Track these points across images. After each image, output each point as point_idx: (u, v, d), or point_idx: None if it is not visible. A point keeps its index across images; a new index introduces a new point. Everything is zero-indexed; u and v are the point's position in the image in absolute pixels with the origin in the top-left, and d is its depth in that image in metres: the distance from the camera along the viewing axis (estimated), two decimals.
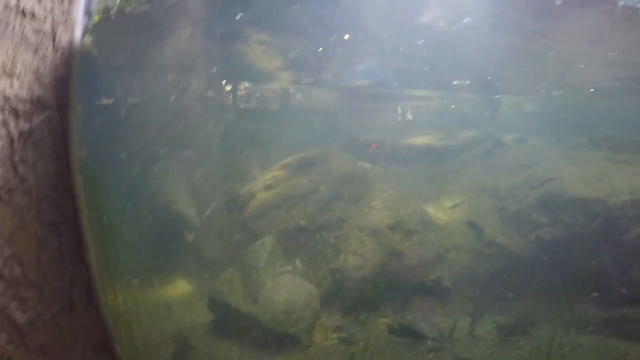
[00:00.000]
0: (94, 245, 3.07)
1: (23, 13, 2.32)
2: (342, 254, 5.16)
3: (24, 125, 2.46)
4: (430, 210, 5.54)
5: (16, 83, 2.38)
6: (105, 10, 3.22)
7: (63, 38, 2.72)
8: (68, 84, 2.79)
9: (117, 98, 3.86)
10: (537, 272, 4.99)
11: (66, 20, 2.70)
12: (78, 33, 2.82)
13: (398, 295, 4.90)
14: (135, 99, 4.08)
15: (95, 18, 3.02)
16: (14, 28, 2.29)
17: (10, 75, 2.33)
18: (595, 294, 4.58)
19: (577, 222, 4.95)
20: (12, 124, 2.39)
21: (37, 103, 2.54)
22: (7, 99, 2.34)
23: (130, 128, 4.02)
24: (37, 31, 2.45)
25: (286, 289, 4.76)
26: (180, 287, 5.01)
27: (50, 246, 2.77)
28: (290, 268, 5.00)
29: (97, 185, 3.21)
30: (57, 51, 2.67)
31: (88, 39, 2.98)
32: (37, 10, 2.40)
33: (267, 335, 4.32)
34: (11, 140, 2.40)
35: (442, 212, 5.53)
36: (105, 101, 3.67)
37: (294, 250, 5.13)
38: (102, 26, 3.18)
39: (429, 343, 4.20)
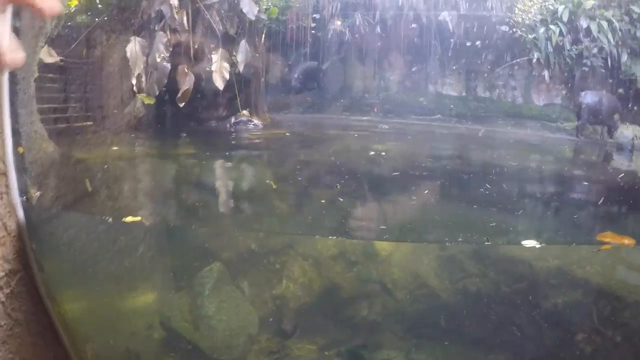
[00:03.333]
0: None
1: None
2: (284, 280, 5.60)
3: None
4: (377, 242, 5.85)
5: None
6: None
7: None
8: None
9: None
10: (458, 320, 5.42)
11: None
12: None
13: (332, 326, 5.40)
14: None
15: None
16: None
17: None
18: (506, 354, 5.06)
19: (502, 279, 5.30)
20: None
21: None
22: None
23: None
24: None
25: (227, 315, 5.28)
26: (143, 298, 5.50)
27: None
28: (235, 294, 5.47)
29: None
30: None
31: None
32: None
33: None
34: None
35: (387, 244, 5.84)
36: None
37: (242, 275, 5.57)
38: None
39: None
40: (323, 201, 4.53)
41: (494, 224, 4.18)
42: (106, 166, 4.69)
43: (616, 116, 12.29)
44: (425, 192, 4.03)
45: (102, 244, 3.82)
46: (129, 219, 2.86)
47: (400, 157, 6.29)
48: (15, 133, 2.28)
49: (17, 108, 2.83)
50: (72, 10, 9.64)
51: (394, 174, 5.11)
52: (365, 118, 14.21)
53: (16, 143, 2.34)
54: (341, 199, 3.55)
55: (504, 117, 14.91)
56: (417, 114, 15.20)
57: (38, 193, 3.11)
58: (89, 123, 8.57)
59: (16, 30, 2.63)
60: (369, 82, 17.24)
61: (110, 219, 3.01)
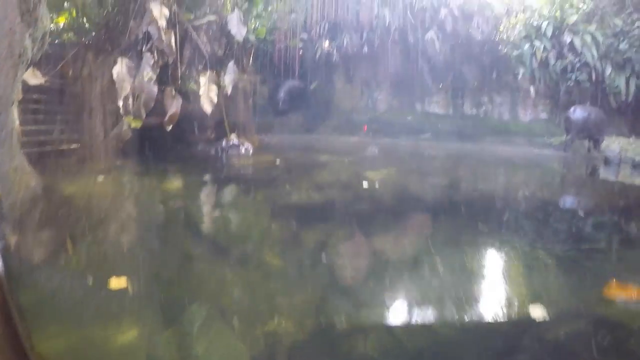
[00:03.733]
0: None
1: None
2: (276, 317, 5.45)
3: None
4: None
5: None
6: None
7: None
8: None
9: None
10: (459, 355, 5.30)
11: None
12: None
13: None
14: None
15: None
16: None
17: None
18: None
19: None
20: None
21: None
22: None
23: None
24: None
25: (217, 352, 5.12)
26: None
27: None
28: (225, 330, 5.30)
29: None
30: None
31: None
32: None
33: None
34: None
35: None
36: None
37: (232, 311, 5.42)
38: None
39: None
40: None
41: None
42: (88, 214, 4.47)
43: (602, 129, 12.43)
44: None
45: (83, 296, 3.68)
46: (114, 283, 2.71)
47: (394, 192, 6.09)
48: None
49: None
50: (60, 28, 9.56)
51: (396, 225, 4.86)
52: (354, 138, 14.15)
53: None
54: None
55: (491, 134, 14.96)
56: (406, 133, 15.25)
57: (16, 238, 3.00)
58: (74, 146, 8.42)
59: None
60: (357, 102, 17.28)
61: (92, 281, 2.86)
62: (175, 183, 6.63)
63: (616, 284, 3.02)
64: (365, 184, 6.53)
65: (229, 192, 6.46)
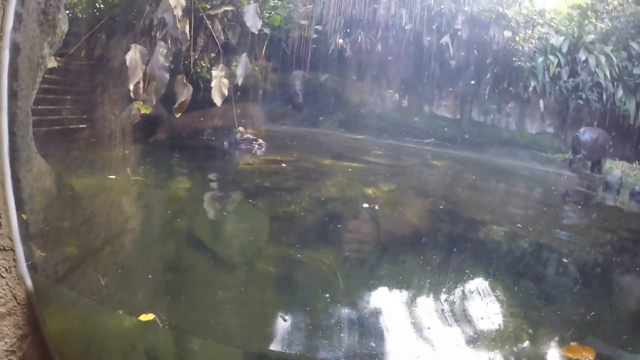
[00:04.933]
0: None
1: None
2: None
3: None
4: None
5: None
6: None
7: None
8: None
9: None
10: None
11: None
12: None
13: None
14: None
15: None
16: None
17: None
18: None
19: None
20: None
21: None
22: None
23: None
24: None
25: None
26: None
27: None
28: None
29: None
30: None
31: None
32: None
33: None
34: None
35: None
36: None
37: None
38: None
39: None
40: None
41: None
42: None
43: (606, 151, 12.55)
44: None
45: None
46: (143, 317, 2.80)
47: (393, 216, 5.99)
48: (19, 203, 2.26)
49: (18, 173, 2.79)
50: (74, 3, 9.50)
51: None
52: (360, 137, 14.08)
53: (20, 211, 2.33)
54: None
55: (497, 145, 14.96)
56: (411, 135, 15.22)
57: (43, 254, 3.06)
58: (82, 126, 8.46)
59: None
60: (366, 98, 17.24)
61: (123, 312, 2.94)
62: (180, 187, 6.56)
63: (574, 347, 3.13)
64: (365, 205, 6.45)
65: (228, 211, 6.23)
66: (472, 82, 16.40)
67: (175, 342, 2.74)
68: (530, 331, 3.44)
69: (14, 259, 2.23)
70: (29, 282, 2.35)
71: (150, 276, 3.65)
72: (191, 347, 2.72)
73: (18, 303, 2.32)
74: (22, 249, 2.25)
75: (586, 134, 12.27)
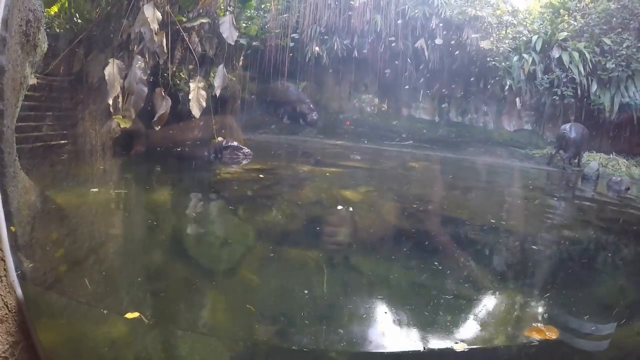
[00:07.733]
0: None
1: None
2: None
3: None
4: None
5: None
6: None
7: None
8: None
9: None
10: None
11: None
12: None
13: None
14: None
15: None
16: None
17: None
18: None
19: None
20: None
21: None
22: None
23: None
24: None
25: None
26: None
27: None
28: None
29: None
30: None
31: None
32: None
33: None
34: None
35: None
36: None
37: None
38: None
39: None
40: None
41: None
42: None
43: (586, 145, 12.90)
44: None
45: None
46: (129, 315, 2.88)
47: (369, 219, 6.04)
48: (8, 216, 2.36)
49: (6, 187, 2.90)
50: (52, 17, 9.53)
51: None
52: (339, 142, 14.16)
53: (9, 223, 2.42)
54: None
55: (475, 143, 15.19)
56: (390, 139, 15.42)
57: (31, 265, 3.14)
58: (63, 142, 8.48)
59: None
60: (344, 104, 17.42)
61: (107, 312, 3.02)
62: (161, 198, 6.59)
63: (538, 328, 3.24)
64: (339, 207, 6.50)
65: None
66: (451, 85, 16.67)
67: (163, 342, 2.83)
68: (498, 314, 3.59)
69: (4, 269, 2.33)
70: (19, 291, 2.45)
71: (133, 281, 3.73)
72: (178, 344, 2.81)
73: (9, 311, 2.41)
74: (12, 259, 2.34)
75: (572, 131, 12.52)
